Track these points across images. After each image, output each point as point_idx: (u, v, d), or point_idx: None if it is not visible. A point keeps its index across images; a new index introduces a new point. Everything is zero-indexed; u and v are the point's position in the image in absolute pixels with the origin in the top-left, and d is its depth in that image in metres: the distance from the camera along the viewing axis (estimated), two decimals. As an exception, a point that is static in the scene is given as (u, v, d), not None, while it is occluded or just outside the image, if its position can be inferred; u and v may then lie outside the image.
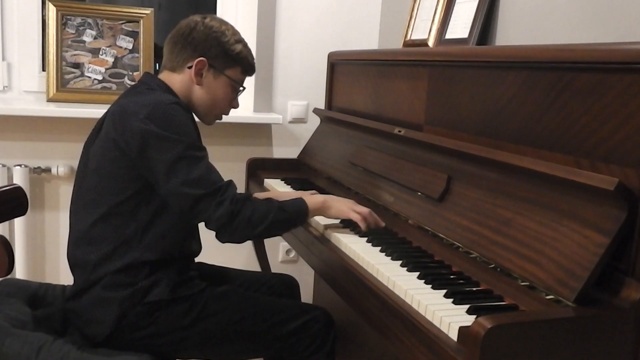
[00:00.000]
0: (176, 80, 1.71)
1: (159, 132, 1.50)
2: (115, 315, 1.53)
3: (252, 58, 1.81)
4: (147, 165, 1.52)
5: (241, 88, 1.81)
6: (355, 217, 1.66)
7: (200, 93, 1.72)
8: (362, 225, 1.65)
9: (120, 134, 1.53)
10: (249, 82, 2.75)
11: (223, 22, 1.76)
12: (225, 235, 1.55)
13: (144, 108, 1.52)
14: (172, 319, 1.57)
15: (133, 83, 2.61)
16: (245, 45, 1.77)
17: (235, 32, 1.76)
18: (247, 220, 1.54)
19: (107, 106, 2.57)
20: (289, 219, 1.63)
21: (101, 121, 1.64)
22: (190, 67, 1.69)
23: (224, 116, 1.85)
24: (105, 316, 1.53)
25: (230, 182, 1.58)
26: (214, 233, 1.57)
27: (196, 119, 1.75)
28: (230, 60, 1.73)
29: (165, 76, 1.73)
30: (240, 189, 2.41)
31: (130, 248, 1.56)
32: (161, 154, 1.50)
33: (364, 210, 1.68)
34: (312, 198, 1.72)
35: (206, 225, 1.55)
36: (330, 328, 1.73)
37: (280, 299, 1.76)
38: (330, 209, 1.71)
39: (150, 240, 1.58)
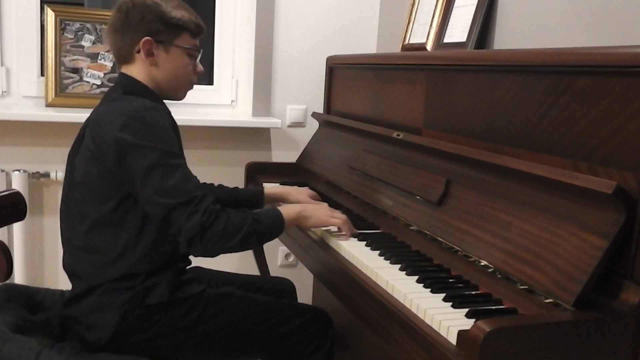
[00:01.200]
0: (134, 70, 1.64)
1: (134, 140, 1.46)
2: (115, 320, 1.52)
3: (197, 17, 1.69)
4: (126, 173, 1.49)
5: (198, 51, 1.72)
6: (336, 223, 1.67)
7: (159, 73, 1.64)
8: (345, 228, 1.67)
9: (97, 145, 1.50)
10: (248, 87, 2.76)
11: None
12: (197, 248, 1.49)
13: (119, 117, 1.48)
14: (171, 322, 1.57)
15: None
16: (184, 7, 1.67)
17: None
18: (220, 233, 1.48)
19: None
20: (264, 231, 1.58)
21: (83, 129, 1.60)
22: (139, 52, 1.61)
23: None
24: (105, 321, 1.53)
25: (207, 193, 1.52)
26: None
27: (172, 103, 1.72)
28: (175, 29, 1.63)
29: (126, 71, 1.66)
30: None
31: (125, 258, 1.54)
32: (137, 161, 1.46)
33: (342, 216, 1.69)
34: (287, 209, 1.67)
35: (177, 237, 1.49)
36: (329, 328, 1.73)
37: (278, 299, 1.76)
38: (307, 219, 1.68)
39: (143, 249, 1.56)
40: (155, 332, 1.55)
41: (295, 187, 2.12)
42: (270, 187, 2.08)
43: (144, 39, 1.60)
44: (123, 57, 1.65)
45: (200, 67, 1.75)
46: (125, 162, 1.47)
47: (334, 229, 1.71)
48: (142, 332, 1.54)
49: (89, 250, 1.56)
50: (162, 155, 1.47)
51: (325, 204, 1.78)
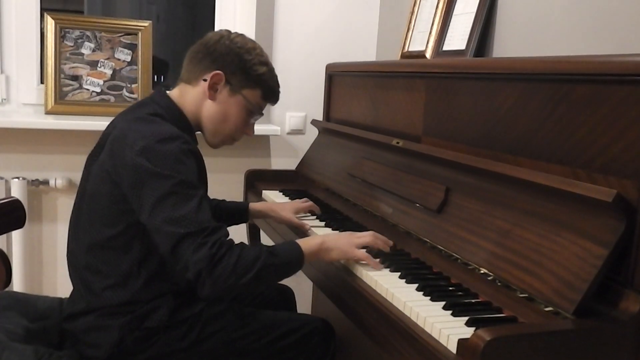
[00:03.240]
0: (189, 93, 1.62)
1: (152, 168, 1.39)
2: (113, 340, 1.49)
3: (277, 85, 1.70)
4: (137, 200, 1.42)
5: (259, 114, 1.70)
6: (361, 255, 1.49)
7: (211, 109, 1.62)
8: (371, 263, 1.48)
9: (114, 166, 1.46)
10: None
11: (251, 41, 1.66)
12: (205, 285, 1.35)
13: (141, 140, 1.42)
14: (170, 343, 1.53)
15: (131, 96, 2.62)
16: (271, 70, 1.67)
17: (262, 54, 1.66)
18: (231, 268, 1.34)
19: (106, 118, 2.57)
20: (281, 265, 1.44)
21: (105, 137, 1.56)
22: (205, 80, 1.59)
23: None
24: (103, 340, 1.50)
25: (222, 226, 1.42)
26: None
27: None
28: (250, 80, 1.63)
29: (179, 90, 1.64)
30: (239, 199, 2.42)
31: (127, 286, 1.50)
32: (152, 190, 1.39)
33: (367, 238, 1.53)
34: (307, 241, 1.52)
35: (186, 274, 1.37)
36: (331, 339, 1.71)
37: (279, 312, 1.73)
38: (330, 251, 1.52)
39: (146, 278, 1.51)
40: (154, 353, 1.52)
41: (281, 202, 2.06)
42: (256, 203, 2.05)
43: (215, 72, 1.59)
44: (188, 77, 1.64)
45: (251, 130, 1.72)
46: (139, 188, 1.40)
47: (333, 232, 1.65)
48: (140, 352, 1.52)
49: (90, 269, 1.52)
50: (177, 183, 1.39)
51: (348, 233, 1.58)
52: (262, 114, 1.73)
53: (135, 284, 1.51)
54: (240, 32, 1.70)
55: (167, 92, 1.65)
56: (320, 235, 1.57)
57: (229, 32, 1.66)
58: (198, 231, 1.36)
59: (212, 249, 1.34)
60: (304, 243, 1.51)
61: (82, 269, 1.54)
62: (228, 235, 1.42)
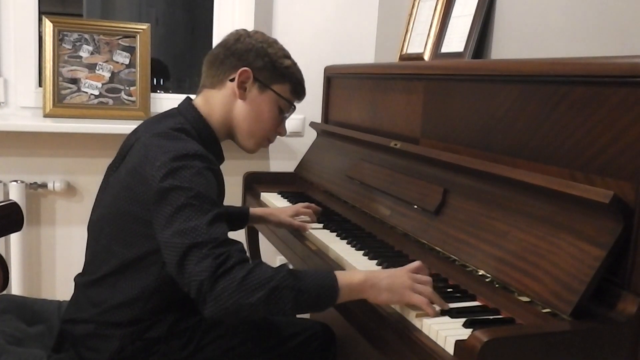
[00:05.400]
0: (216, 97, 1.56)
1: (171, 183, 1.30)
2: (114, 349, 1.47)
3: (303, 79, 1.65)
4: (157, 218, 1.32)
5: (291, 109, 1.65)
6: (418, 301, 1.24)
7: (243, 109, 1.56)
8: (429, 311, 1.22)
9: (135, 184, 1.39)
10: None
11: (270, 37, 1.62)
12: (207, 301, 1.19)
13: (162, 156, 1.34)
14: (170, 352, 1.51)
15: (130, 98, 2.62)
16: (295, 63, 1.63)
17: (284, 48, 1.63)
18: (237, 283, 1.18)
19: (104, 121, 2.58)
20: (303, 290, 1.23)
21: (126, 148, 1.50)
22: (232, 80, 1.54)
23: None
24: (103, 347, 1.48)
25: (236, 241, 1.28)
26: None
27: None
28: (279, 74, 1.58)
29: (203, 97, 1.58)
30: (237, 202, 2.42)
31: (135, 306, 1.46)
32: (169, 204, 1.29)
33: (418, 298, 1.24)
34: (346, 274, 1.31)
35: (189, 291, 1.23)
36: (331, 343, 1.69)
37: (278, 317, 1.72)
38: (379, 293, 1.27)
39: (157, 303, 1.47)
40: None
41: (279, 207, 2.05)
42: (256, 209, 2.03)
43: (243, 69, 1.53)
44: (212, 82, 1.58)
45: (284, 129, 1.67)
46: (161, 205, 1.31)
47: (331, 234, 1.64)
48: None
49: (99, 285, 1.49)
50: (194, 196, 1.29)
51: (403, 273, 1.31)
52: (294, 109, 1.67)
53: (143, 307, 1.47)
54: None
55: (192, 101, 1.59)
56: (362, 271, 1.38)
57: (245, 30, 1.62)
58: (206, 242, 1.22)
59: (217, 260, 1.20)
60: (342, 275, 1.30)
61: (91, 283, 1.51)
62: (243, 251, 1.28)
